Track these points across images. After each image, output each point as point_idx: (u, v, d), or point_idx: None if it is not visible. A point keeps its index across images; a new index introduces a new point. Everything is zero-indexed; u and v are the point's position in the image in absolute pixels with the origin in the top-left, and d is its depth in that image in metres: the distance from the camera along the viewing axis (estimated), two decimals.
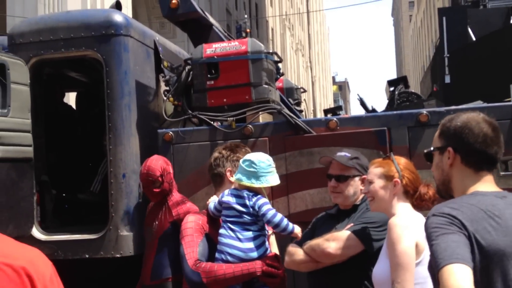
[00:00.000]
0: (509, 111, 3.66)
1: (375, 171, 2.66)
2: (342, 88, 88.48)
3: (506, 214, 1.78)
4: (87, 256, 4.08)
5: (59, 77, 5.46)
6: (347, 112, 71.86)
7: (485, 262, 1.70)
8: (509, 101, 9.53)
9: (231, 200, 2.84)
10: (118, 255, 4.03)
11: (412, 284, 2.32)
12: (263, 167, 2.87)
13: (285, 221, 2.86)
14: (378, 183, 2.62)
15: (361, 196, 3.06)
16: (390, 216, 2.58)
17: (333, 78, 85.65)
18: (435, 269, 1.67)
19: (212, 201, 3.05)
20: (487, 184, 1.90)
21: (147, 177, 3.68)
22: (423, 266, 2.31)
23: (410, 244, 2.35)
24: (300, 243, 3.03)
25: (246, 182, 2.82)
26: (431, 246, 1.70)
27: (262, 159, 2.88)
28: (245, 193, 2.84)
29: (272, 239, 3.17)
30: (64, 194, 5.47)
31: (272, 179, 2.90)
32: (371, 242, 2.86)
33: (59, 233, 4.30)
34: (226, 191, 2.91)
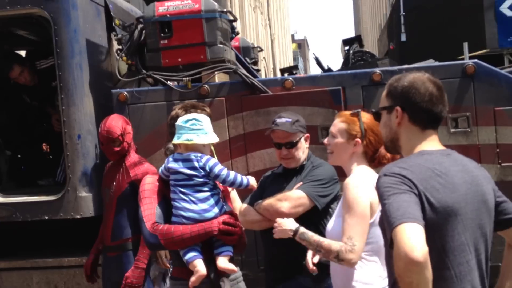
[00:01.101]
0: (458, 69, 3.75)
1: (339, 125, 2.65)
2: (301, 46, 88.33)
3: (451, 172, 1.85)
4: (46, 217, 4.05)
5: (7, 36, 5.25)
6: (306, 71, 72.06)
7: (435, 219, 1.76)
8: (463, 59, 9.75)
9: (177, 166, 2.82)
10: (78, 216, 4.01)
11: (363, 244, 2.38)
12: (208, 123, 2.86)
13: (239, 177, 2.90)
14: (340, 139, 2.63)
15: (305, 155, 3.12)
16: (347, 172, 2.63)
17: (292, 36, 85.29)
18: (387, 228, 1.73)
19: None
20: (433, 143, 1.96)
21: (107, 135, 3.62)
22: (376, 227, 2.38)
23: (365, 204, 2.40)
24: (251, 202, 3.09)
25: (197, 141, 2.80)
26: (383, 205, 1.76)
27: (201, 116, 2.86)
28: (192, 156, 2.82)
29: (234, 194, 3.19)
30: (19, 156, 5.36)
31: (215, 136, 2.90)
32: (320, 199, 2.98)
33: (16, 195, 4.24)
34: (170, 157, 2.89)
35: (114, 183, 3.59)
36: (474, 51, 12.42)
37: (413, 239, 1.61)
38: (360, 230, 2.37)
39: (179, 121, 2.84)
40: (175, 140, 2.84)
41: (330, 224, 2.61)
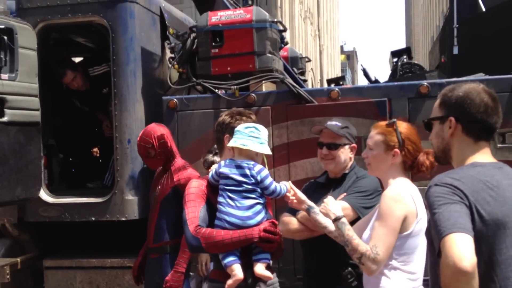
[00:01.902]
0: (509, 83, 3.69)
1: (376, 137, 2.64)
2: (350, 57, 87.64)
3: (503, 185, 1.85)
4: (93, 219, 4.20)
5: (66, 42, 5.50)
6: (354, 82, 71.32)
7: (484, 232, 1.77)
8: None
9: (228, 171, 2.89)
10: (123, 219, 4.14)
11: (386, 256, 2.38)
12: (265, 134, 2.93)
13: (279, 188, 2.93)
14: (378, 151, 2.62)
15: (349, 164, 3.14)
16: (384, 183, 2.63)
17: (341, 47, 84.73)
18: (435, 237, 1.75)
19: (213, 170, 3.10)
20: (485, 155, 1.95)
21: (140, 148, 3.77)
22: (412, 238, 2.38)
23: (397, 218, 2.39)
24: (293, 211, 3.12)
25: (252, 148, 2.86)
26: (433, 214, 1.76)
27: (261, 127, 2.93)
28: (245, 163, 2.88)
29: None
30: (70, 158, 5.58)
31: (268, 148, 2.96)
32: (364, 211, 2.97)
33: (66, 196, 4.42)
34: (222, 162, 2.94)
35: (159, 187, 3.70)
36: None
37: (463, 249, 1.63)
38: (387, 243, 2.36)
39: (239, 127, 2.90)
40: (231, 143, 2.89)
41: (366, 234, 2.62)
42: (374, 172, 2.70)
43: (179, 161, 3.75)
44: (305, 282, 3.24)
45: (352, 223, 2.93)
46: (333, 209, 2.63)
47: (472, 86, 1.97)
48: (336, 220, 2.57)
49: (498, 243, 1.79)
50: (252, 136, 2.86)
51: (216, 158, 3.31)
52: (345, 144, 3.09)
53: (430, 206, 1.80)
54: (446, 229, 1.68)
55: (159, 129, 3.77)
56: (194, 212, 2.85)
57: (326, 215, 2.65)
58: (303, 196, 2.80)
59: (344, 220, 2.57)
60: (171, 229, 3.60)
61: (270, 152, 2.95)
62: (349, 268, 2.97)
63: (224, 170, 2.89)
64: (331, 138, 3.10)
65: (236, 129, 2.91)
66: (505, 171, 1.92)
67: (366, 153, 2.70)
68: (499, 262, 1.79)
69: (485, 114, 1.92)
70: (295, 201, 2.80)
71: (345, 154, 3.10)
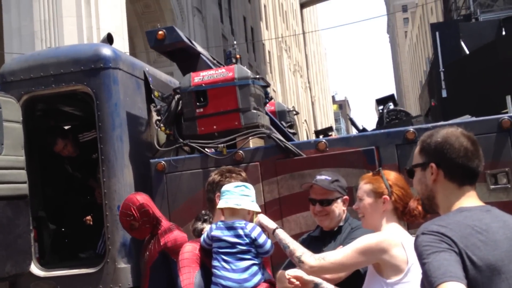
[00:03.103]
0: (494, 124, 3.69)
1: (364, 187, 2.67)
2: (342, 107, 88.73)
3: (493, 228, 1.80)
4: None
5: (53, 112, 5.52)
6: (348, 131, 71.91)
7: (478, 278, 1.71)
8: (506, 112, 9.57)
9: (221, 233, 2.84)
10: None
11: (332, 268, 2.56)
12: (253, 192, 2.91)
13: (272, 247, 2.92)
14: (368, 200, 2.63)
15: (343, 216, 3.10)
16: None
17: (333, 97, 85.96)
18: (428, 287, 1.68)
19: (205, 233, 3.04)
20: (471, 199, 1.91)
21: (122, 223, 3.76)
22: (405, 284, 2.32)
23: (372, 252, 2.46)
24: (289, 269, 3.04)
25: (246, 207, 2.84)
26: (423, 264, 1.71)
27: (249, 185, 2.91)
28: (237, 223, 2.84)
29: (269, 259, 3.18)
30: (62, 229, 5.49)
31: (257, 205, 2.93)
32: None
33: (57, 268, 4.31)
34: (213, 225, 2.91)
35: (147, 253, 3.64)
36: None
37: None
38: (343, 260, 2.45)
39: (228, 187, 2.88)
40: (222, 205, 2.86)
41: (366, 284, 2.57)
42: (368, 223, 2.68)
43: (165, 223, 3.70)
44: None
45: (351, 276, 2.87)
46: (268, 223, 2.89)
47: (450, 130, 1.96)
48: (273, 232, 2.81)
49: None
50: (244, 195, 2.84)
51: (206, 226, 3.28)
52: (337, 198, 3.07)
53: (419, 256, 1.75)
54: (437, 279, 1.63)
55: (137, 198, 3.74)
56: (189, 278, 2.79)
57: (265, 227, 2.88)
58: (305, 276, 2.71)
59: (279, 230, 2.85)
60: None
61: (259, 210, 2.93)
62: None
63: (216, 233, 2.84)
64: (323, 194, 3.07)
65: (224, 189, 2.88)
66: (493, 213, 1.88)
67: (358, 205, 2.70)
68: None
69: (466, 158, 1.90)
70: (299, 285, 2.71)
71: (339, 208, 3.08)
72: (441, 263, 1.66)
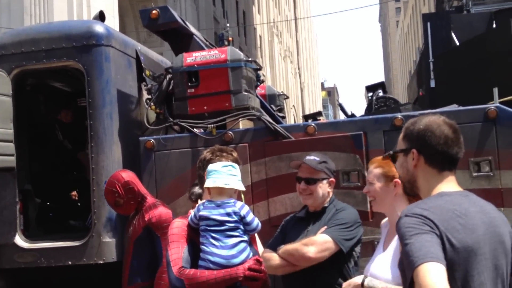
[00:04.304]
0: (480, 113, 3.76)
1: (375, 171, 2.69)
2: (331, 93, 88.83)
3: (471, 212, 1.88)
4: (69, 263, 4.12)
5: (43, 87, 5.51)
6: (336, 117, 72.13)
7: (456, 259, 1.78)
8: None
9: (209, 213, 2.88)
10: (101, 261, 4.07)
11: None
12: (239, 171, 2.95)
13: (259, 225, 2.98)
14: (378, 184, 2.66)
15: (328, 198, 3.16)
16: (392, 218, 2.61)
17: (322, 84, 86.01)
18: (407, 268, 1.75)
19: (191, 214, 3.08)
20: (450, 184, 1.98)
21: (108, 200, 3.80)
22: None
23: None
24: (273, 247, 3.11)
25: (234, 186, 2.88)
26: (404, 245, 1.77)
27: (236, 165, 2.95)
28: (226, 202, 2.89)
29: (256, 236, 3.23)
30: (48, 203, 5.51)
31: (242, 185, 2.99)
32: (345, 243, 2.99)
33: (42, 241, 4.34)
34: (201, 206, 2.95)
35: (131, 228, 3.68)
36: (505, 96, 12.32)
37: (436, 278, 1.63)
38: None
39: (216, 166, 2.91)
40: (210, 184, 2.90)
41: (391, 265, 2.53)
42: (380, 207, 2.72)
43: (149, 200, 3.74)
44: None
45: (333, 255, 2.94)
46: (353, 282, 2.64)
47: (433, 119, 2.02)
48: (362, 284, 2.57)
49: (470, 270, 1.80)
50: (231, 175, 2.88)
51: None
52: (323, 179, 3.12)
53: (401, 237, 1.81)
54: (418, 259, 1.69)
55: (122, 175, 3.78)
56: (178, 253, 2.83)
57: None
58: (354, 279, 2.70)
59: (368, 279, 2.57)
60: (145, 271, 3.56)
61: (244, 189, 2.98)
62: None
63: (204, 213, 2.88)
64: (309, 173, 3.12)
65: (212, 168, 2.91)
66: (471, 199, 1.95)
67: (368, 188, 2.73)
68: None
69: (446, 145, 1.96)
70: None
71: (323, 188, 3.12)
72: (423, 244, 1.72)
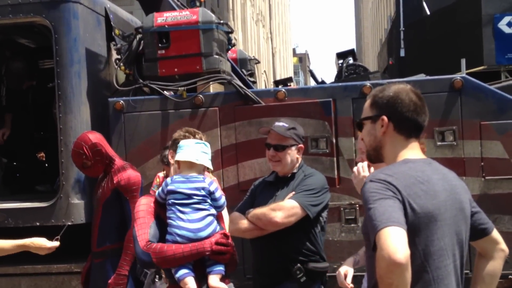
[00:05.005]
0: (446, 83, 3.83)
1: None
2: (302, 60, 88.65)
3: (433, 179, 1.93)
4: (37, 224, 4.09)
5: (8, 43, 5.35)
6: (306, 84, 72.24)
7: (416, 224, 1.84)
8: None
9: (177, 186, 2.89)
10: (69, 223, 4.06)
11: None
12: (210, 151, 2.97)
13: (225, 204, 3.01)
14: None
15: (297, 164, 3.20)
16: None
17: (294, 50, 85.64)
18: (371, 231, 1.80)
19: (159, 189, 3.07)
20: (415, 151, 2.04)
21: (75, 161, 3.76)
22: None
23: None
24: (242, 210, 3.15)
25: (204, 163, 2.89)
26: (368, 209, 1.82)
27: (207, 143, 2.97)
28: (195, 177, 2.90)
29: (224, 212, 3.26)
30: (14, 163, 5.42)
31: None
32: (312, 208, 3.05)
33: (8, 201, 4.29)
34: (169, 180, 2.94)
35: (100, 190, 3.67)
36: (472, 67, 12.53)
37: (397, 241, 1.68)
38: None
39: (188, 142, 2.91)
40: (182, 158, 2.89)
41: None
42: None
43: (118, 162, 3.72)
44: (255, 280, 3.28)
45: (300, 220, 3.00)
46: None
47: (401, 87, 2.06)
48: None
49: (430, 234, 1.86)
50: (203, 152, 2.89)
51: None
52: (292, 145, 3.15)
53: (365, 201, 1.86)
54: (381, 223, 1.74)
55: (89, 137, 3.73)
56: (144, 228, 2.84)
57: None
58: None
59: None
60: (114, 233, 3.57)
61: (212, 168, 3.00)
62: (298, 264, 3.04)
63: (172, 187, 2.88)
64: (278, 139, 3.15)
65: (184, 143, 2.90)
66: (434, 166, 2.01)
67: (360, 157, 2.76)
68: (431, 253, 1.86)
69: (415, 112, 2.01)
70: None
71: (292, 155, 3.16)
72: (386, 209, 1.78)
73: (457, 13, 14.55)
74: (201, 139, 2.99)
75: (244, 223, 3.10)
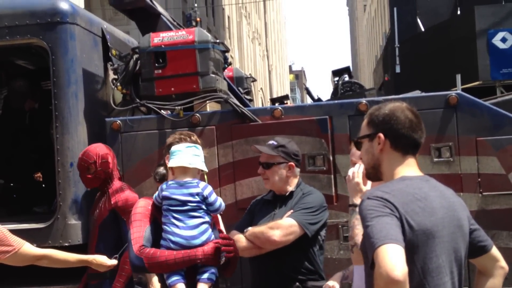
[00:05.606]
0: (442, 100, 3.85)
1: (357, 152, 2.71)
2: (298, 77, 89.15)
3: (431, 196, 1.95)
4: (35, 245, 4.06)
5: (5, 65, 5.37)
6: (303, 101, 72.50)
7: (414, 241, 1.85)
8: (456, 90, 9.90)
9: (172, 192, 2.90)
10: (66, 244, 4.03)
11: None
12: (202, 153, 2.98)
13: (223, 205, 3.02)
14: None
15: (295, 182, 3.20)
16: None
17: (290, 67, 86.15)
18: (368, 249, 1.81)
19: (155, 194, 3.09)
20: (412, 168, 2.05)
21: (81, 162, 3.75)
22: None
23: None
24: (240, 229, 3.15)
25: (198, 166, 2.91)
26: (366, 227, 1.84)
27: (199, 146, 2.97)
28: (189, 182, 2.91)
29: (218, 217, 3.27)
30: (11, 184, 5.41)
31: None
32: (310, 227, 3.05)
33: (6, 222, 4.27)
34: (164, 185, 2.96)
35: (97, 210, 3.67)
36: (467, 83, 12.62)
37: (394, 259, 1.69)
38: None
39: (179, 147, 2.92)
40: (174, 164, 2.90)
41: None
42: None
43: (116, 183, 3.73)
44: None
45: (298, 239, 3.00)
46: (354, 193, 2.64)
47: (397, 104, 2.09)
48: (350, 206, 2.63)
49: (429, 252, 1.87)
50: (195, 155, 2.90)
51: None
52: (279, 163, 3.15)
53: (363, 219, 1.87)
54: (378, 241, 1.75)
55: (105, 149, 3.78)
56: (139, 232, 2.86)
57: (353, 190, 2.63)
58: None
59: (356, 209, 2.55)
60: (110, 254, 3.56)
61: (207, 170, 3.00)
62: (297, 283, 3.03)
63: (166, 193, 2.90)
64: (266, 157, 3.21)
65: (175, 149, 2.92)
66: (431, 183, 2.03)
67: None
68: (430, 271, 1.87)
69: (410, 129, 2.03)
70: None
71: (280, 173, 3.17)
72: (383, 226, 1.79)
73: (451, 29, 14.70)
74: (196, 141, 3.01)
75: (242, 241, 3.10)
